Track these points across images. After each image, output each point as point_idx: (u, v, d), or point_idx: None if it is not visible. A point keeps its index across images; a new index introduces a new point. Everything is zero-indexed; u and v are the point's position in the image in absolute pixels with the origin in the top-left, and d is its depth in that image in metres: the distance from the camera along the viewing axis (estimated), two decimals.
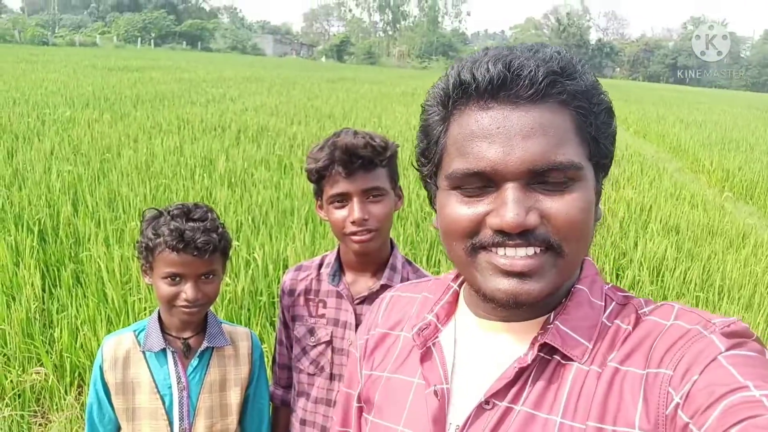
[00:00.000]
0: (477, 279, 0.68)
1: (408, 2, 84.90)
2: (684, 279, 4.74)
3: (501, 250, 0.65)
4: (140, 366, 1.41)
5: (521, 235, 0.63)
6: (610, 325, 0.69)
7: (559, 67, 0.63)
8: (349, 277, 1.44)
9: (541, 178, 0.63)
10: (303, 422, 1.47)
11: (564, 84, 0.63)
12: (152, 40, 55.85)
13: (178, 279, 1.36)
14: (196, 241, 1.33)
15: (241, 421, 1.50)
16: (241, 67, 28.52)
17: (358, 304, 1.41)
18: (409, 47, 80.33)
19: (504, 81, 0.63)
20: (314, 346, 1.44)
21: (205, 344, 1.43)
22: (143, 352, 1.41)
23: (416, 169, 0.77)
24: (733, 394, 0.53)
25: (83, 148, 7.14)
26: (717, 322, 0.62)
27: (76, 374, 3.01)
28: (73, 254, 4.14)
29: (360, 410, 0.89)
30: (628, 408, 0.61)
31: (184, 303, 1.35)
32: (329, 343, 1.43)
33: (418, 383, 0.77)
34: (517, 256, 0.64)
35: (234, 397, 1.46)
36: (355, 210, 1.30)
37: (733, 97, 41.43)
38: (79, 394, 2.92)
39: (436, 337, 0.78)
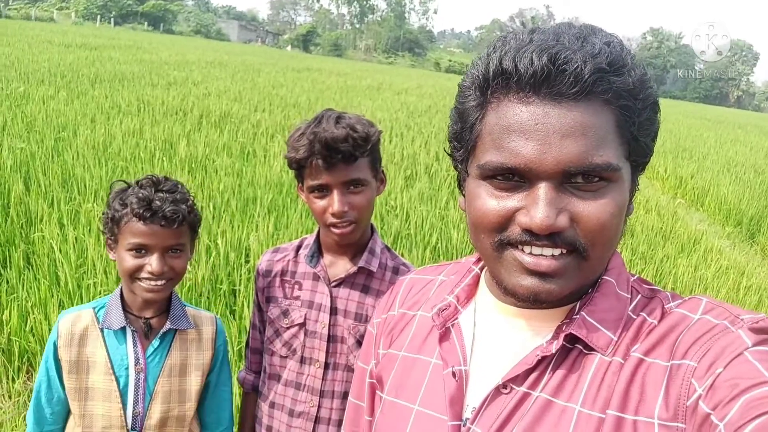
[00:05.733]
0: (501, 273, 0.67)
1: None
2: None
3: (527, 248, 0.64)
4: (97, 344, 1.35)
5: (549, 237, 0.62)
6: (635, 317, 0.68)
7: (607, 63, 0.60)
8: (327, 259, 1.43)
9: (575, 178, 0.62)
10: (272, 405, 1.46)
11: (610, 81, 0.60)
12: (112, 19, 54.16)
13: (143, 251, 1.31)
14: (165, 211, 1.29)
15: (199, 409, 1.46)
16: (205, 51, 27.90)
17: (334, 286, 1.41)
18: (376, 41, 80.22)
19: (548, 76, 0.60)
20: (287, 328, 1.43)
21: (167, 326, 1.38)
22: (101, 330, 1.36)
23: (447, 153, 0.75)
24: (757, 388, 0.53)
25: (37, 125, 6.88)
26: (745, 318, 0.61)
27: (25, 359, 2.91)
28: (24, 234, 3.99)
29: (372, 386, 0.89)
30: (649, 399, 0.60)
31: (148, 275, 1.30)
32: (302, 325, 1.41)
33: (436, 363, 0.76)
34: (543, 254, 0.63)
35: (194, 382, 1.42)
36: (335, 202, 1.29)
37: (688, 108, 42.82)
38: (28, 379, 2.82)
39: (456, 318, 0.78)
